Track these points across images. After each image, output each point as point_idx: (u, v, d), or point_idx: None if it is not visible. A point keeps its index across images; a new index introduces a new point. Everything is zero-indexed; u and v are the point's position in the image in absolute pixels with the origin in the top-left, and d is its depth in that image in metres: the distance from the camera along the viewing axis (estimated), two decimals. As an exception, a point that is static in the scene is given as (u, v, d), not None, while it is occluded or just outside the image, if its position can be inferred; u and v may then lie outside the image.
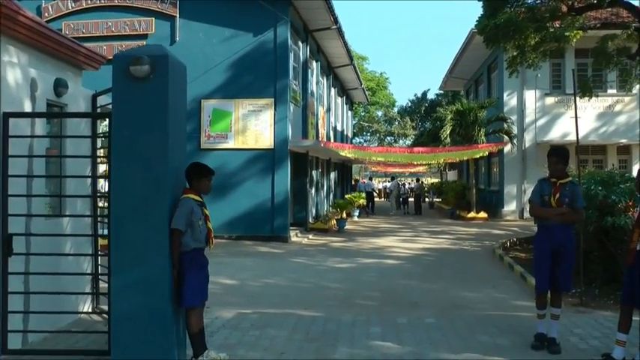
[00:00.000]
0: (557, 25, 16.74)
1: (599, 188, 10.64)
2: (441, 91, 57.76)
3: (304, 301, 9.82)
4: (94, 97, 7.81)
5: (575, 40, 16.44)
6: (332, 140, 29.39)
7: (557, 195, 6.57)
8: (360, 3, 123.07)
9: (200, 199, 5.90)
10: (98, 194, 7.68)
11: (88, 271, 7.61)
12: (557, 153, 6.76)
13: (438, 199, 41.87)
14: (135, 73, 5.28)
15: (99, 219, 7.45)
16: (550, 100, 27.15)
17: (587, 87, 18.20)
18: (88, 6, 20.25)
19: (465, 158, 27.22)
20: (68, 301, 6.97)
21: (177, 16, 19.70)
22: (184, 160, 5.98)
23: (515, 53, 17.98)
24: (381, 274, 12.70)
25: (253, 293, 10.58)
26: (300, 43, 21.95)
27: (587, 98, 25.38)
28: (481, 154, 25.94)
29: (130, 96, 5.35)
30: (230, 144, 19.26)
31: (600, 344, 6.71)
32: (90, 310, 7.72)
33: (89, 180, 7.56)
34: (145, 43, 19.52)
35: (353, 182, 50.93)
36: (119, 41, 19.79)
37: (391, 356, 6.31)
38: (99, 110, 7.77)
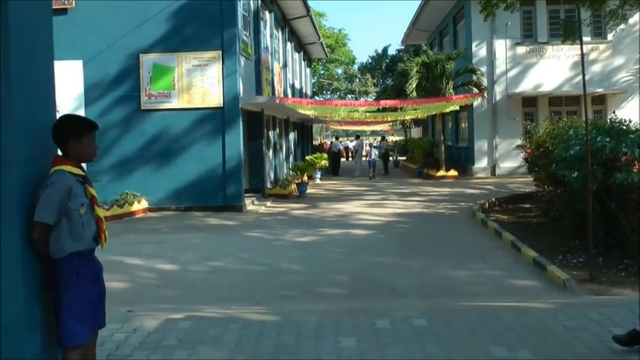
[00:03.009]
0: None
1: (607, 139, 8.88)
2: (402, 47, 56.06)
3: (256, 291, 7.92)
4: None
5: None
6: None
7: None
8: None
9: (81, 173, 3.87)
10: None
11: None
12: None
13: (402, 158, 40.24)
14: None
15: None
16: (521, 50, 25.61)
17: (572, 30, 16.35)
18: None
19: (435, 112, 25.39)
20: None
21: (109, -42, 17.17)
22: (51, 115, 3.93)
23: (490, -6, 16.18)
24: (350, 249, 10.78)
25: (194, 282, 8.59)
26: (250, -11, 19.67)
27: (561, 46, 24.27)
28: (453, 107, 24.02)
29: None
30: (174, 103, 17.01)
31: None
32: None
33: None
34: (73, -7, 17.10)
35: (320, 143, 49.05)
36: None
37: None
38: None
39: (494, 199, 16.63)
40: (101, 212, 4.02)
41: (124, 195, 16.18)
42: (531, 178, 14.31)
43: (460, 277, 8.39)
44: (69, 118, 3.95)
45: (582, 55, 8.84)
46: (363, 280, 8.40)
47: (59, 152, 3.89)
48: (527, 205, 15.34)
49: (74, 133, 3.79)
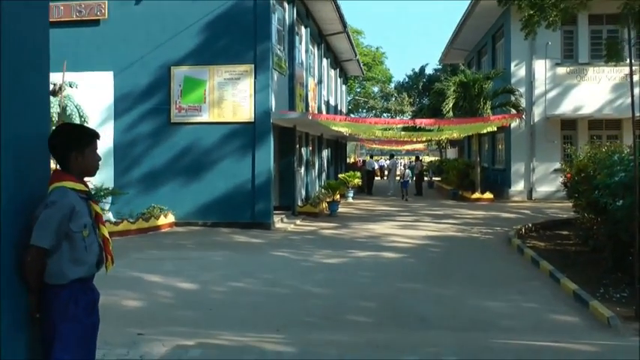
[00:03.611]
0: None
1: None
2: (440, 66, 55.41)
3: (277, 316, 7.48)
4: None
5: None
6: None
7: None
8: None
9: (85, 188, 3.50)
10: None
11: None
12: None
13: (437, 179, 39.56)
14: None
15: None
16: (561, 71, 24.79)
17: (615, 51, 15.70)
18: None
19: (472, 133, 24.75)
20: None
21: (144, -30, 17.09)
22: (45, 125, 3.58)
23: (531, 12, 15.65)
24: (378, 273, 10.31)
25: (213, 304, 8.20)
26: (285, 4, 19.40)
27: (603, 67, 23.56)
28: (490, 128, 23.33)
29: None
30: (204, 117, 16.77)
31: None
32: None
33: None
34: (106, 3, 17.05)
35: (354, 161, 48.54)
36: (78, 0, 17.19)
37: None
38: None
39: (530, 225, 15.98)
40: (106, 231, 3.66)
41: (151, 208, 15.96)
42: (569, 204, 13.70)
43: (494, 309, 7.85)
44: (69, 128, 3.64)
45: (631, 76, 8.33)
46: (391, 308, 7.92)
47: (53, 165, 3.56)
48: (565, 232, 14.67)
49: (76, 144, 3.45)
